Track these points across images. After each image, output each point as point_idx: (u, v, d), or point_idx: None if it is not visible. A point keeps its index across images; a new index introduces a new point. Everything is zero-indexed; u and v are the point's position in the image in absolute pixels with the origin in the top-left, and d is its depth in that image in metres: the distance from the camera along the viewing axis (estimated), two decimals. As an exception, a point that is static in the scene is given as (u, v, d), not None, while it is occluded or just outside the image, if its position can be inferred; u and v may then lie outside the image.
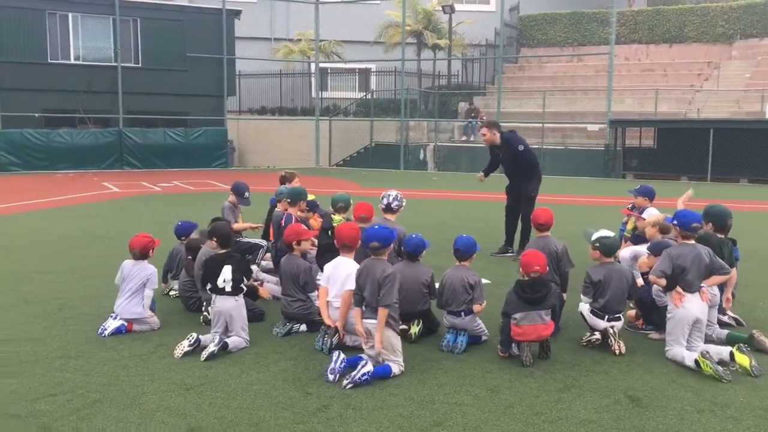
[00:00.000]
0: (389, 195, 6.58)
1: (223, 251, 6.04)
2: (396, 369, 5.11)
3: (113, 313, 6.26)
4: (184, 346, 5.63)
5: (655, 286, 5.90)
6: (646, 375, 5.22)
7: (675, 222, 5.57)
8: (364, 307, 5.25)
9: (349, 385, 4.91)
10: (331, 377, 5.06)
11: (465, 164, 27.98)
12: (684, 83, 30.69)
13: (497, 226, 10.65)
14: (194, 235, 7.55)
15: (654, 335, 6.06)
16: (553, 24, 37.08)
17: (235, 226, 8.33)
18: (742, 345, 5.33)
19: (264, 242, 8.25)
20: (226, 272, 5.82)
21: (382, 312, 5.09)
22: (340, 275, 5.71)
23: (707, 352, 5.24)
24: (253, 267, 7.93)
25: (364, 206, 6.90)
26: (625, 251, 7.23)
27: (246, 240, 8.22)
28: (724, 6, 33.74)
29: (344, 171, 27.97)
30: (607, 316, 5.71)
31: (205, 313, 6.44)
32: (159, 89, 26.23)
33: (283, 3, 34.96)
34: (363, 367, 4.94)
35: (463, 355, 5.66)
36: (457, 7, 32.89)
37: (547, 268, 5.60)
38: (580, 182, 23.41)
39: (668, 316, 5.52)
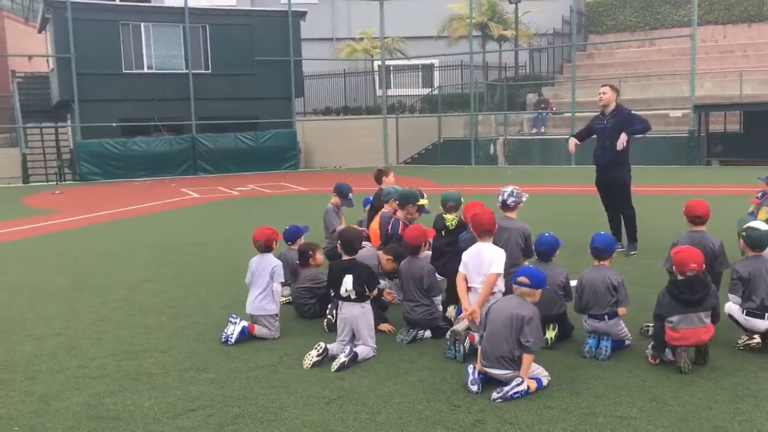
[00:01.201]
0: (504, 191, 6.20)
1: (348, 258, 5.78)
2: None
3: (233, 316, 6.09)
4: (312, 356, 5.40)
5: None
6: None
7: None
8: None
9: (499, 400, 4.58)
10: (474, 388, 4.74)
11: (537, 157, 27.34)
12: (767, 64, 29.27)
13: (592, 219, 10.19)
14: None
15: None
16: (623, 8, 35.93)
17: (340, 228, 8.11)
18: None
19: (369, 244, 7.97)
20: (348, 282, 5.57)
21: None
22: (483, 260, 5.45)
23: None
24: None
25: (475, 205, 6.54)
26: None
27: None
28: (807, -21, 32.08)
29: (414, 168, 27.63)
30: (767, 315, 5.22)
31: (329, 317, 6.22)
32: (228, 94, 26.47)
33: (344, 2, 34.95)
34: (518, 385, 4.60)
35: (609, 362, 5.25)
36: (523, -4, 32.19)
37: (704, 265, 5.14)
38: (664, 171, 22.44)
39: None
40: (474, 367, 4.88)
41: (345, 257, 5.80)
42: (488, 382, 4.80)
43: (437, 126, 30.14)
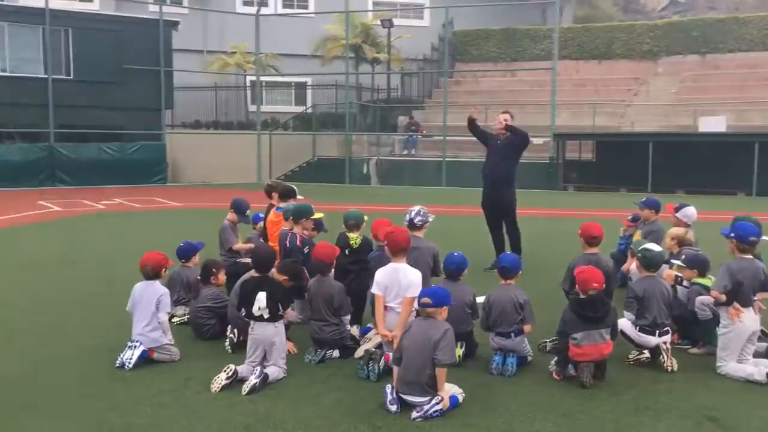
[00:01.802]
0: (411, 211, 6.29)
1: (259, 275, 5.62)
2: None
3: (130, 341, 5.73)
4: (221, 379, 5.19)
5: (699, 299, 5.87)
6: (710, 393, 5.15)
7: (732, 235, 5.52)
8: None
9: (419, 419, 4.61)
10: (393, 408, 4.75)
11: (408, 177, 27.96)
12: (615, 98, 31.75)
13: (474, 238, 10.58)
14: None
15: (694, 350, 6.03)
16: (487, 40, 37.68)
17: (237, 246, 7.90)
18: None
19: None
20: (261, 299, 5.41)
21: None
22: (400, 281, 5.46)
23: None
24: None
25: (381, 224, 6.59)
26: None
27: (246, 261, 7.71)
28: (649, 24, 35.19)
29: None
30: (657, 332, 5.62)
31: (231, 336, 6.00)
32: (92, 102, 25.00)
33: (215, 15, 34.23)
34: (438, 403, 4.64)
35: (515, 378, 5.45)
36: (394, 21, 32.95)
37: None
38: (527, 194, 23.61)
39: (723, 331, 5.48)
40: (391, 387, 4.88)
41: (256, 275, 5.63)
42: (406, 402, 4.82)
43: (311, 144, 30.11)
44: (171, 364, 5.74)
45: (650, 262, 5.74)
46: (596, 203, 19.58)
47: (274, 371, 5.33)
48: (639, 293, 5.63)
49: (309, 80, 34.79)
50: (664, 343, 5.63)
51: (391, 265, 5.59)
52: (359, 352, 5.92)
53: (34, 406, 4.85)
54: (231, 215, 8.09)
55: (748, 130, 25.18)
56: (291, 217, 7.05)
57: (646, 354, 5.67)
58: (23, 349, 6.11)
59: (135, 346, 5.67)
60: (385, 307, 5.51)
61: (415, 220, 6.18)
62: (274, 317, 5.39)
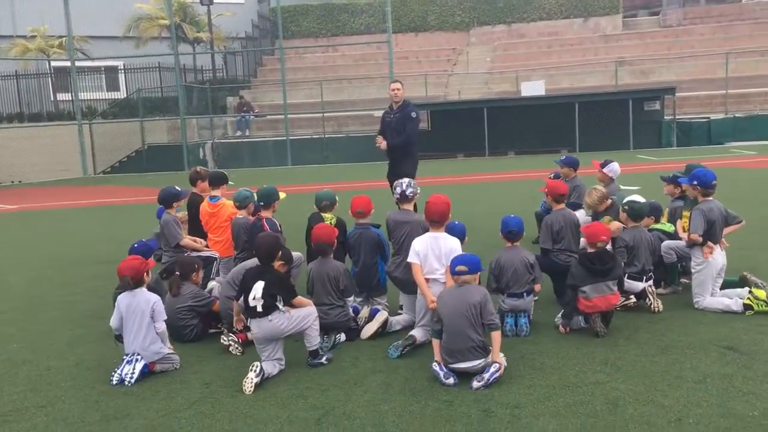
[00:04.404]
0: (402, 183, 6.17)
1: (260, 265, 5.26)
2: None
3: (126, 355, 5.15)
4: (251, 378, 4.84)
5: (665, 244, 6.41)
6: (707, 327, 5.65)
7: (695, 182, 6.06)
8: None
9: (481, 388, 4.64)
10: (451, 381, 4.74)
11: (246, 160, 27.27)
12: (437, 68, 33.11)
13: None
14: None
15: (660, 290, 6.55)
16: (305, 15, 37.49)
17: (184, 242, 7.31)
18: (757, 281, 6.07)
19: (216, 254, 7.32)
20: (257, 288, 5.09)
21: None
22: (441, 248, 5.36)
23: (750, 292, 5.85)
24: (212, 282, 7.04)
25: (361, 200, 6.46)
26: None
27: (196, 254, 7.15)
28: (459, -3, 37.01)
29: (122, 177, 25.57)
30: (644, 278, 6.07)
31: (227, 343, 5.60)
32: None
33: (5, -4, 30.79)
34: (497, 370, 4.70)
35: (532, 338, 5.62)
36: (212, -2, 31.66)
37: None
38: (369, 167, 24.01)
39: (698, 269, 6.04)
40: (439, 364, 4.85)
41: (259, 263, 5.27)
42: (456, 372, 4.83)
43: (136, 132, 28.21)
44: (172, 373, 5.24)
45: (637, 213, 6.17)
46: (430, 170, 20.19)
47: (268, 366, 5.03)
48: (629, 242, 6.03)
49: (120, 64, 32.44)
50: (650, 286, 6.09)
51: (428, 234, 5.48)
52: (366, 332, 5.79)
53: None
54: (172, 209, 7.44)
55: (560, 92, 27.45)
56: (261, 203, 6.67)
57: (633, 299, 6.10)
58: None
59: (135, 360, 5.09)
60: (427, 279, 5.40)
61: (407, 192, 6.08)
62: (266, 310, 5.08)
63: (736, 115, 25.08)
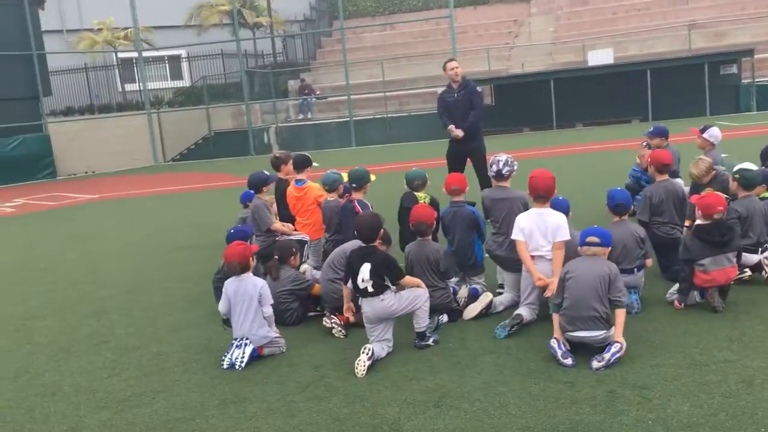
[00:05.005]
0: (499, 161, 5.99)
1: (365, 246, 5.19)
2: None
3: (234, 340, 5.17)
4: (363, 360, 4.80)
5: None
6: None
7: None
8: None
9: (602, 368, 4.47)
10: (569, 361, 4.59)
11: (310, 143, 27.33)
12: (498, 41, 32.46)
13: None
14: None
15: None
16: (362, -6, 37.29)
17: (275, 226, 7.32)
18: None
19: (307, 237, 7.30)
20: (365, 271, 5.03)
21: None
22: (547, 225, 5.22)
23: None
24: (303, 266, 7.03)
25: (458, 177, 6.33)
26: None
27: (287, 238, 7.15)
28: (519, -33, 36.07)
29: (191, 164, 26.04)
30: (759, 249, 5.77)
31: (330, 324, 5.56)
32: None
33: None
34: (618, 351, 4.53)
35: (643, 314, 5.41)
36: (268, -18, 31.79)
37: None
38: (439, 145, 23.76)
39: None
40: (558, 341, 4.70)
41: (363, 245, 5.21)
42: (574, 342, 4.69)
43: (204, 119, 28.63)
44: (279, 357, 5.25)
45: (750, 182, 5.86)
46: (501, 146, 19.93)
47: (377, 348, 4.96)
48: (743, 213, 5.73)
49: (183, 52, 32.91)
50: (766, 258, 5.79)
51: (533, 210, 5.34)
52: (470, 313, 5.68)
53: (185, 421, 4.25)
54: (262, 194, 7.46)
55: (629, 60, 26.56)
56: (353, 185, 6.61)
57: (748, 272, 5.81)
58: (102, 367, 5.36)
59: (244, 344, 5.11)
60: (533, 256, 5.26)
61: (503, 171, 5.90)
62: (378, 290, 5.02)
63: (820, 75, 23.83)
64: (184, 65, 33.49)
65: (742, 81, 24.14)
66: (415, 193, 6.53)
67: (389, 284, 5.09)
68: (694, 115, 22.45)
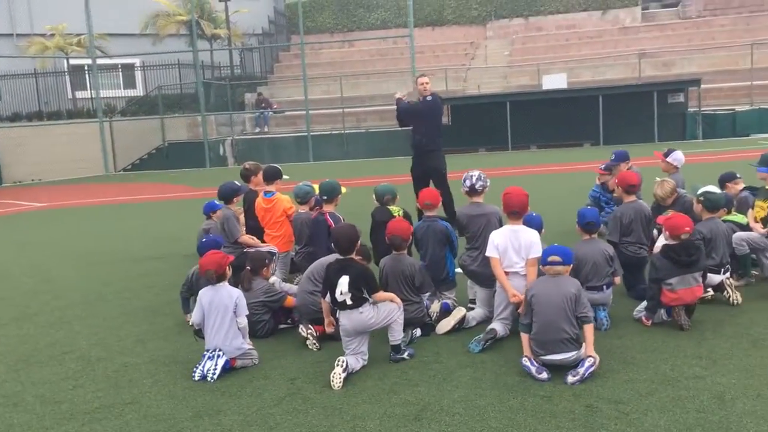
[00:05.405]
0: (472, 176, 6.05)
1: (342, 258, 5.17)
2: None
3: (207, 351, 5.07)
4: (339, 373, 4.76)
5: (736, 236, 6.29)
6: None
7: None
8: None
9: (577, 383, 4.54)
10: (544, 376, 4.65)
11: (267, 156, 27.13)
12: (455, 62, 32.91)
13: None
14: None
15: (734, 282, 6.40)
16: (321, 11, 37.37)
17: (244, 239, 7.22)
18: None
19: (275, 249, 7.22)
20: (343, 284, 5.01)
21: None
22: (520, 242, 5.30)
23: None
24: (273, 278, 6.95)
25: (431, 193, 6.38)
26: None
27: (255, 250, 7.07)
28: (477, -10, 36.78)
29: (145, 175, 25.53)
30: (722, 270, 5.95)
31: (306, 334, 5.50)
32: None
33: (22, -6, 30.79)
34: (591, 365, 4.61)
35: (612, 331, 5.51)
36: (225, -6, 31.57)
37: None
38: (395, 162, 23.85)
39: (774, 260, 5.91)
40: (529, 359, 4.76)
41: (340, 257, 5.18)
42: (547, 364, 4.74)
43: (158, 129, 28.18)
44: (252, 369, 5.16)
45: (714, 204, 6.04)
46: (457, 165, 20.12)
47: (352, 361, 4.94)
48: (706, 234, 5.90)
49: (137, 61, 32.40)
50: (728, 278, 5.97)
51: (507, 227, 5.40)
52: (443, 327, 5.70)
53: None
54: (232, 205, 7.35)
55: (582, 85, 27.24)
56: (324, 197, 6.58)
57: (711, 292, 5.98)
58: (61, 377, 5.18)
59: (217, 356, 5.02)
60: (507, 272, 5.31)
61: (476, 186, 5.97)
62: (356, 303, 5.01)
63: (762, 106, 24.81)
64: (138, 74, 32.97)
65: (689, 109, 24.98)
66: (389, 207, 6.55)
67: (368, 296, 5.08)
68: (642, 141, 23.10)
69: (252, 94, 31.02)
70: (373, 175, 18.65)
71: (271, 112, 29.91)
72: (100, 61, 29.91)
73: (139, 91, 32.31)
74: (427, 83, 9.72)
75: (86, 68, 31.77)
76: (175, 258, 9.53)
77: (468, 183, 6.03)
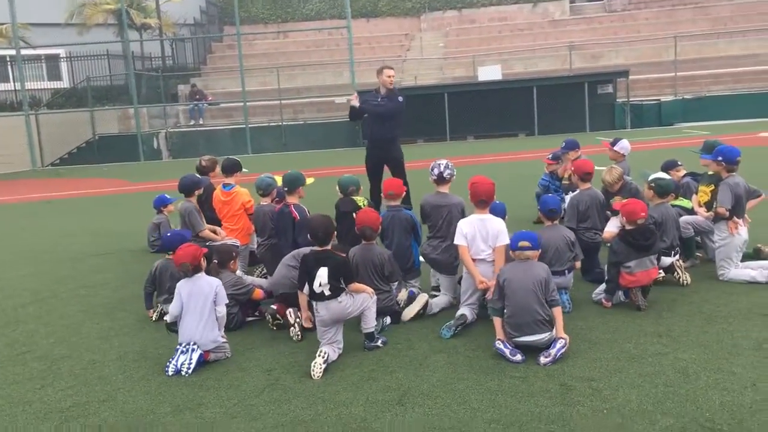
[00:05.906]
0: (440, 164, 6.13)
1: (320, 249, 5.20)
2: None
3: (180, 345, 5.03)
4: (319, 364, 4.80)
5: (683, 219, 6.62)
6: (741, 296, 5.86)
7: (720, 158, 6.27)
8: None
9: (549, 363, 4.72)
10: (518, 357, 4.82)
11: (203, 149, 26.62)
12: (391, 54, 33.02)
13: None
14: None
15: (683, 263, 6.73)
16: (254, 1, 36.86)
17: (205, 233, 7.14)
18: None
19: (238, 242, 7.17)
20: (322, 275, 5.05)
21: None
22: (488, 230, 5.45)
23: (776, 265, 6.11)
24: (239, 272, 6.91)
25: (394, 182, 6.47)
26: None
27: (218, 243, 6.99)
28: (410, -18, 36.99)
29: (75, 169, 24.68)
30: (672, 252, 6.25)
31: (294, 329, 5.51)
32: None
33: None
34: (563, 346, 4.81)
35: (575, 313, 5.73)
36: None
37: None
38: (334, 154, 23.86)
39: (721, 243, 6.27)
40: (503, 341, 4.91)
41: (317, 248, 5.21)
42: (520, 346, 4.91)
43: (87, 122, 27.29)
44: (226, 362, 5.15)
45: (664, 190, 6.33)
46: (409, 155, 20.33)
47: (329, 350, 4.99)
48: (658, 219, 6.19)
49: (62, 52, 31.24)
50: (677, 260, 6.28)
51: (475, 216, 5.52)
52: (408, 314, 5.80)
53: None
54: (192, 198, 7.25)
55: (515, 77, 27.82)
56: (285, 189, 6.57)
57: (662, 273, 6.27)
58: (33, 376, 5.04)
59: (191, 350, 4.98)
60: (474, 260, 5.44)
61: (444, 174, 6.08)
62: (335, 293, 5.07)
63: (685, 96, 25.90)
64: (64, 65, 31.78)
65: (618, 100, 25.84)
66: (354, 198, 6.60)
67: (344, 286, 5.12)
68: (575, 131, 23.76)
69: (185, 85, 30.37)
70: (313, 168, 18.58)
71: (205, 104, 29.36)
72: (24, 52, 28.74)
73: (65, 83, 31.17)
74: (392, 76, 9.70)
75: (8, 59, 30.49)
76: (122, 254, 9.33)
77: (436, 171, 6.13)
